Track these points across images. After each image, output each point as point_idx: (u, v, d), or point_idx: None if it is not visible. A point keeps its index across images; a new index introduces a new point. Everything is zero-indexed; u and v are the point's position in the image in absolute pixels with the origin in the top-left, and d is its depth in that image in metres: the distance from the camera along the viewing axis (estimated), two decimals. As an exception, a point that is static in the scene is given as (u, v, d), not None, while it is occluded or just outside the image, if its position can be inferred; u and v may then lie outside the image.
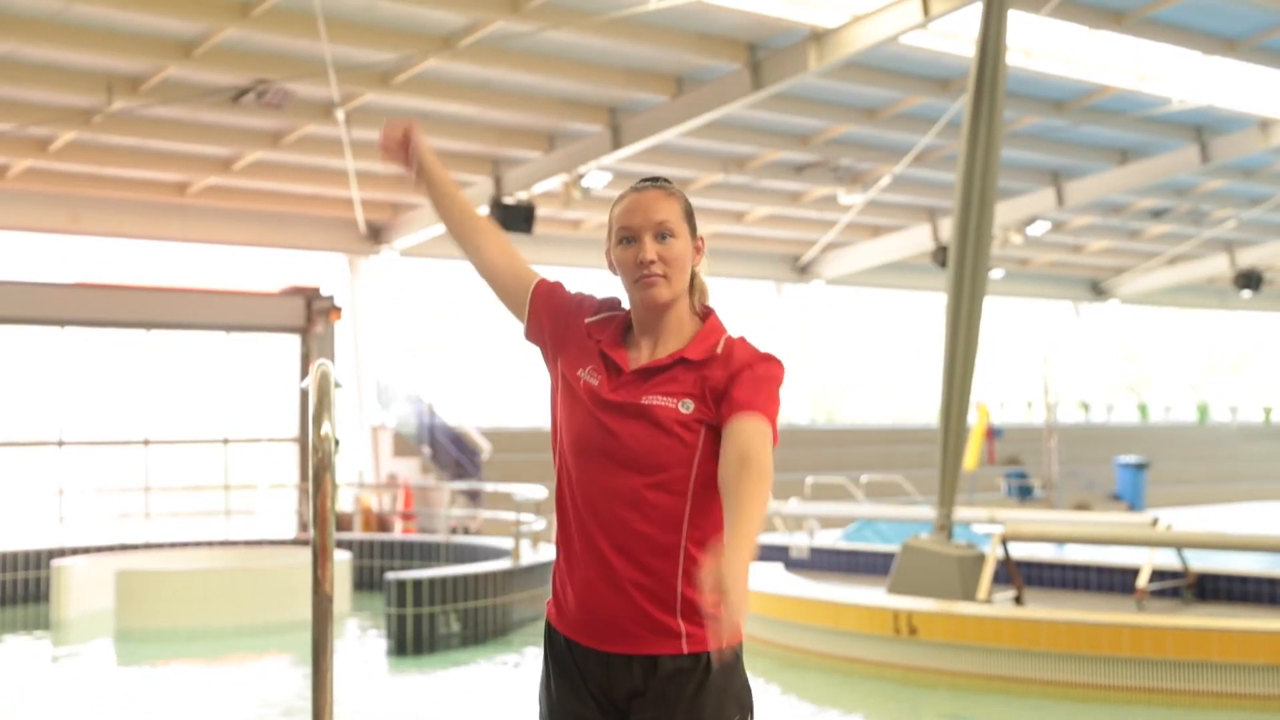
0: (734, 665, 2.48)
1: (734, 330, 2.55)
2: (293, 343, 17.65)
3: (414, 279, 22.82)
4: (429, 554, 13.07)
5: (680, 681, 2.42)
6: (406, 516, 16.91)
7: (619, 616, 2.43)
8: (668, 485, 2.42)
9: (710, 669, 2.42)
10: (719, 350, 2.49)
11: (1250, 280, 26.36)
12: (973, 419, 16.81)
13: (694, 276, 2.58)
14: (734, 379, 2.43)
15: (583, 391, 2.52)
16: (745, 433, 2.35)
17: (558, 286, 2.66)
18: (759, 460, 2.31)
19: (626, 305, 2.59)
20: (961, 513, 9.98)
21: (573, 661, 2.50)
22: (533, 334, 2.66)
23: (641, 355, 2.53)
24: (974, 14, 9.95)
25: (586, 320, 2.60)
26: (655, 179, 2.58)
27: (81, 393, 16.87)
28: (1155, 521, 9.67)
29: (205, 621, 10.42)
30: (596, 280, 2.62)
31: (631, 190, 2.55)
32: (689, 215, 2.55)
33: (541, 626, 2.61)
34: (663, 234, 2.49)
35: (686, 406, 2.44)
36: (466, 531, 15.08)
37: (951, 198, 12.67)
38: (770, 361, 2.47)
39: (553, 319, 2.62)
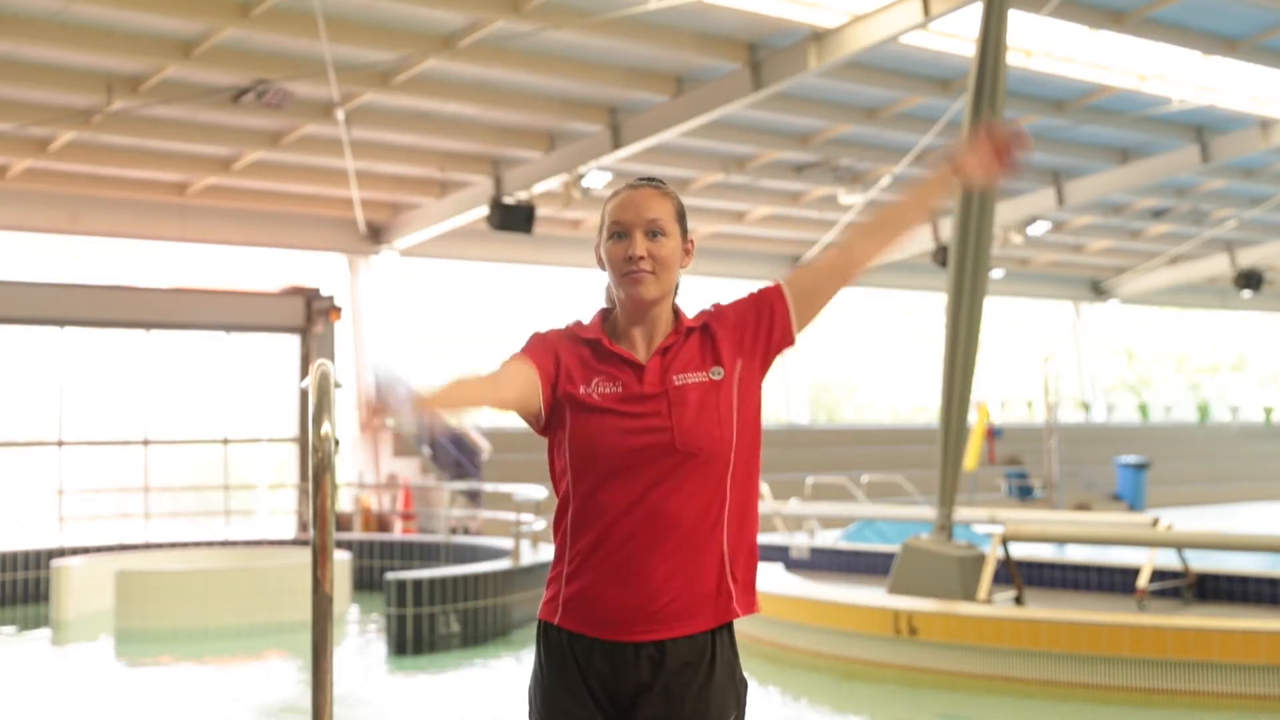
0: (734, 659, 2.52)
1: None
2: (293, 343, 17.66)
3: (414, 279, 22.79)
4: (429, 554, 13.07)
5: (687, 676, 2.45)
6: (406, 516, 16.89)
7: (646, 606, 2.43)
8: (711, 459, 2.45)
9: (716, 661, 2.45)
10: (710, 309, 2.62)
11: (1250, 280, 26.34)
12: (973, 419, 16.80)
13: None
14: (752, 307, 2.62)
15: (604, 402, 2.48)
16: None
17: (531, 349, 2.54)
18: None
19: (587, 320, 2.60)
20: (962, 513, 9.98)
21: (573, 658, 2.48)
22: (548, 408, 2.52)
23: (637, 349, 2.54)
24: (974, 14, 9.94)
25: (566, 339, 2.55)
26: (650, 179, 2.60)
27: (81, 393, 16.87)
28: (1155, 521, 9.65)
29: (205, 622, 10.41)
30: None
31: (626, 187, 2.57)
32: (681, 217, 2.58)
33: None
34: (654, 232, 2.51)
35: (717, 373, 2.51)
36: (466, 531, 15.07)
37: (951, 198, 12.66)
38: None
39: (545, 368, 2.51)
